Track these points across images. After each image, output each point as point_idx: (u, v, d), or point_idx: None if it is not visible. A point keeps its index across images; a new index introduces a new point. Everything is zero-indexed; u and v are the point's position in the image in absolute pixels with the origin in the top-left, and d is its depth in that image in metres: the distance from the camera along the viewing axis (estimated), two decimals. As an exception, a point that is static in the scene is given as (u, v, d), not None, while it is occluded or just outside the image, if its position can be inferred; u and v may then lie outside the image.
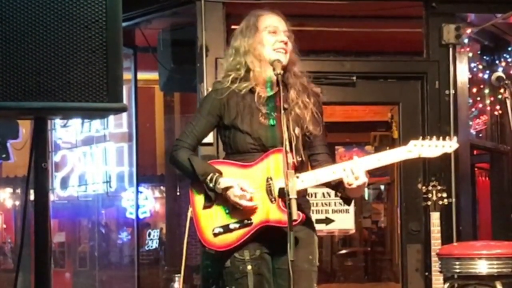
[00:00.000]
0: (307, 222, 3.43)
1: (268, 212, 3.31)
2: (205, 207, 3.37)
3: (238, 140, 3.39)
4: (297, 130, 3.36)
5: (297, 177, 3.22)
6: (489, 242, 5.22)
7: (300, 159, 3.35)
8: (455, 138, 3.35)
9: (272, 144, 3.34)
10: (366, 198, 12.12)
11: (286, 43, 3.40)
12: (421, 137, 3.33)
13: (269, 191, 3.31)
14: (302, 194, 3.40)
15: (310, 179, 3.32)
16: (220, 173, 3.34)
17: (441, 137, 3.32)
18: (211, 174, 3.32)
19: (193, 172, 3.36)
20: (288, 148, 3.13)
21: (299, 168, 3.33)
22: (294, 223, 3.04)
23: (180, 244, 10.02)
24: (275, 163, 3.29)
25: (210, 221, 3.36)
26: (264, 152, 3.35)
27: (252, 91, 3.41)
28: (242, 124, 3.38)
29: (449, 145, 3.32)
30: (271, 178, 3.31)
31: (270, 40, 3.41)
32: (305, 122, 3.39)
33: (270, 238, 3.33)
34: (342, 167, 3.28)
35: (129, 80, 7.15)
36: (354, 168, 3.25)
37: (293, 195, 3.02)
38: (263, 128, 3.38)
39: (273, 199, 3.30)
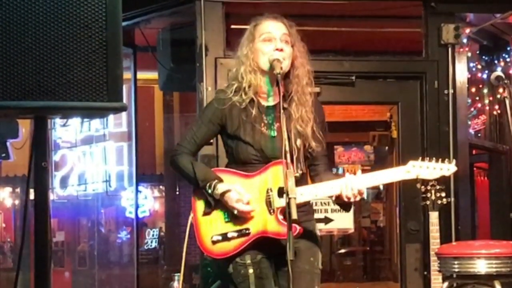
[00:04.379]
0: (309, 234, 3.43)
1: (266, 223, 3.32)
2: (205, 214, 3.39)
3: (240, 151, 3.39)
4: (298, 142, 3.36)
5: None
6: (488, 241, 5.22)
7: (300, 172, 3.36)
8: (454, 161, 3.38)
9: (274, 155, 3.33)
10: (365, 197, 12.13)
11: (281, 50, 3.37)
12: (420, 158, 3.36)
13: (268, 203, 3.32)
14: (304, 203, 3.39)
15: (309, 193, 3.33)
16: (221, 180, 3.35)
17: (440, 160, 3.36)
18: (210, 181, 3.34)
19: (194, 177, 3.38)
20: (289, 157, 3.13)
21: (299, 181, 3.35)
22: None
23: (179, 243, 10.04)
24: (276, 175, 3.29)
25: (210, 228, 3.38)
26: (266, 164, 3.36)
27: (253, 101, 3.41)
28: (244, 135, 3.38)
29: (447, 168, 3.35)
30: (271, 190, 3.32)
31: (265, 49, 3.37)
32: (307, 138, 3.39)
33: (270, 248, 3.34)
34: (341, 184, 3.29)
35: (128, 80, 7.16)
36: (354, 186, 3.27)
37: (292, 195, 3.03)
38: (265, 139, 3.38)
39: (272, 211, 3.31)
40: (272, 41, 3.38)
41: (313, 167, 3.48)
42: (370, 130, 10.53)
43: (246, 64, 3.39)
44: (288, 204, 3.01)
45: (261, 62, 3.38)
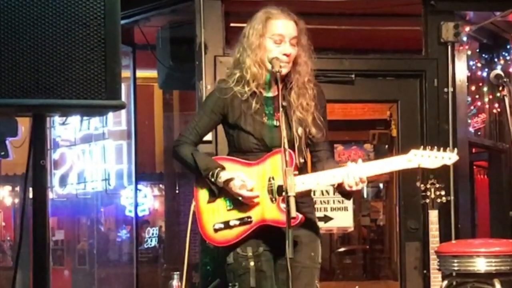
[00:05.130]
0: (310, 224, 3.46)
1: (267, 211, 3.34)
2: (208, 202, 3.42)
3: (242, 140, 3.42)
4: (300, 130, 3.38)
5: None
6: (488, 240, 5.21)
7: (302, 160, 3.39)
8: (455, 150, 3.38)
9: (276, 145, 3.35)
10: (365, 196, 12.13)
11: (289, 55, 3.40)
12: (422, 147, 3.36)
13: (270, 191, 3.35)
14: (305, 194, 3.43)
15: (310, 181, 3.35)
16: (223, 168, 3.36)
17: (441, 148, 3.36)
18: (213, 169, 3.34)
19: (196, 167, 3.40)
20: (288, 147, 3.17)
21: (301, 169, 3.36)
22: (292, 222, 3.06)
23: (179, 242, 10.04)
24: (277, 164, 3.29)
25: (212, 216, 3.40)
26: (266, 152, 3.37)
27: (254, 92, 3.42)
28: (245, 125, 3.41)
29: (449, 156, 3.36)
30: (273, 178, 3.34)
31: (273, 51, 3.40)
32: (307, 125, 3.41)
33: (271, 236, 3.35)
34: (343, 173, 3.30)
35: (128, 78, 7.15)
36: (355, 174, 3.28)
37: (291, 193, 3.04)
38: (266, 128, 3.41)
39: (273, 199, 3.33)
40: (282, 44, 3.40)
41: (315, 153, 3.50)
42: (370, 129, 10.51)
43: (252, 58, 3.41)
44: (287, 202, 3.03)
45: (266, 59, 3.40)
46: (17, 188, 13.97)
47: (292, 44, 3.42)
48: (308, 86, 3.45)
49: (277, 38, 3.40)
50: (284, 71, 3.39)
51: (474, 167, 7.75)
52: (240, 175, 3.33)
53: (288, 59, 3.40)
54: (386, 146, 10.54)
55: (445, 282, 4.52)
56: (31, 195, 2.59)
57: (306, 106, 3.41)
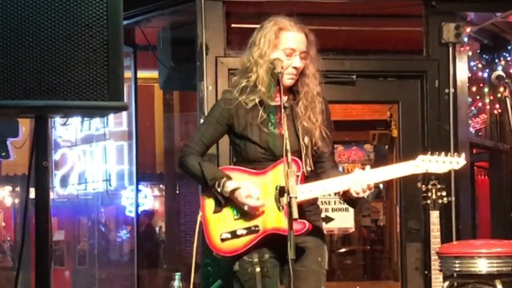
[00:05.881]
0: (317, 232, 3.46)
1: (274, 219, 3.34)
2: (215, 212, 3.41)
3: (248, 150, 3.42)
4: (306, 140, 3.39)
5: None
6: (489, 240, 5.22)
7: (310, 169, 3.39)
8: (463, 155, 3.37)
9: (282, 153, 3.34)
10: (365, 196, 12.12)
11: (298, 69, 3.41)
12: (429, 152, 3.36)
13: (277, 199, 3.34)
14: (312, 202, 3.44)
15: (318, 188, 3.36)
16: (229, 178, 3.37)
17: (449, 153, 3.36)
18: (219, 179, 3.35)
19: (202, 177, 3.40)
20: (295, 156, 3.20)
21: (308, 177, 3.37)
22: (299, 231, 3.11)
23: (180, 242, 10.03)
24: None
25: (218, 226, 3.40)
26: (274, 161, 3.38)
27: (260, 102, 3.42)
28: (251, 135, 3.41)
29: (457, 161, 3.36)
30: (280, 187, 3.34)
31: (284, 64, 3.39)
32: (313, 136, 3.42)
33: (277, 244, 3.34)
34: (350, 179, 3.31)
35: (129, 79, 7.16)
36: (363, 181, 3.29)
37: (293, 194, 3.04)
38: (272, 137, 3.41)
39: (281, 207, 3.33)
40: (292, 57, 3.41)
41: (320, 164, 3.50)
42: (370, 129, 10.52)
43: (264, 69, 3.40)
44: (289, 203, 3.03)
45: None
46: (18, 189, 13.97)
47: (301, 57, 3.43)
48: (317, 100, 3.46)
49: (289, 52, 3.41)
50: (290, 82, 3.42)
51: (475, 167, 7.74)
52: (246, 184, 3.34)
53: (296, 72, 3.42)
54: (386, 146, 10.54)
55: (446, 283, 4.52)
56: (32, 196, 2.59)
57: (314, 119, 3.42)
